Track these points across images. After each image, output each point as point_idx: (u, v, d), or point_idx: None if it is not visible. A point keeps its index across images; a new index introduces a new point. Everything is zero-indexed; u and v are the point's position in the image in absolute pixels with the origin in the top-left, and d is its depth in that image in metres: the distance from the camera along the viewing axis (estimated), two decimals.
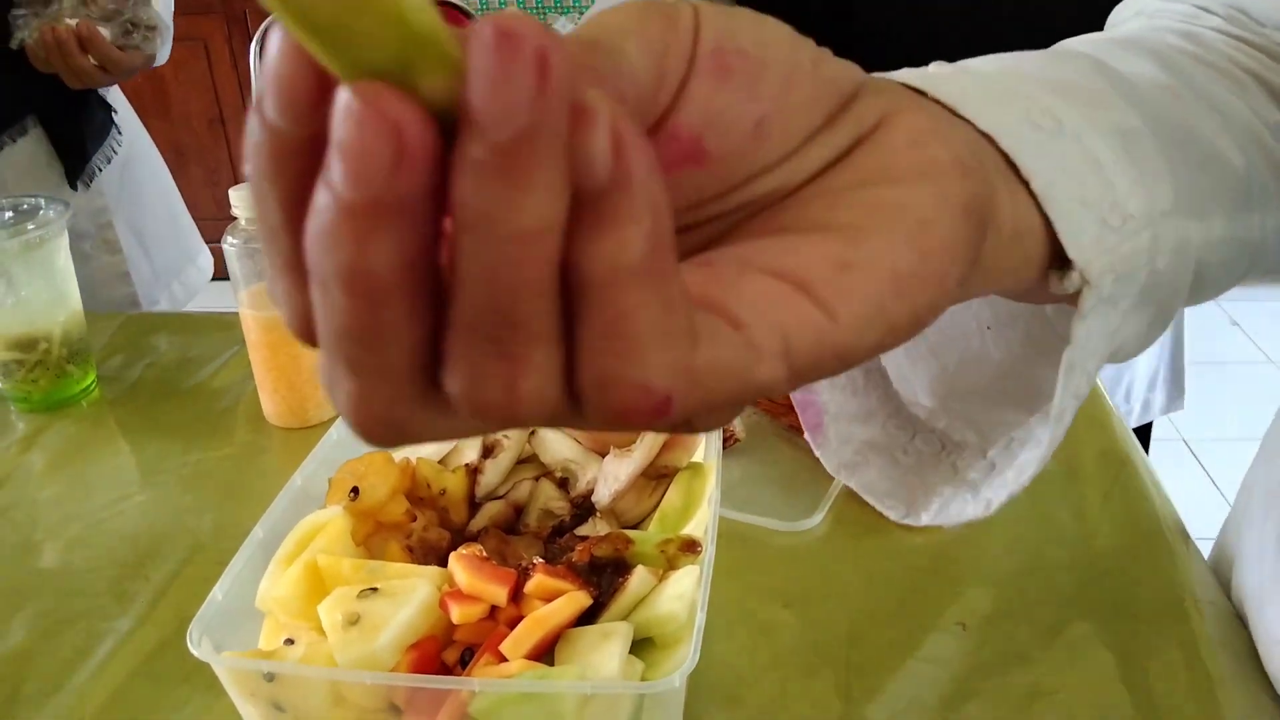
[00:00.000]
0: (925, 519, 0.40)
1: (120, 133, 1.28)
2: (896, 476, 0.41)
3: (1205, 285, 0.37)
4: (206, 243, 3.61)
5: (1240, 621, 0.60)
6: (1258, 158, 0.38)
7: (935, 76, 0.30)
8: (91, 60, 1.10)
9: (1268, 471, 0.59)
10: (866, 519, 0.70)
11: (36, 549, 0.72)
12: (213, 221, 3.20)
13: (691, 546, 0.55)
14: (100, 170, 1.22)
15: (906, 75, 0.30)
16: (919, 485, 0.40)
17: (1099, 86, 0.32)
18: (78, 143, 1.18)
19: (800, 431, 0.77)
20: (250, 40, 2.92)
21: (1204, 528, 0.75)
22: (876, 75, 0.28)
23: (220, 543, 0.71)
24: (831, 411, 0.41)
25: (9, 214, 0.85)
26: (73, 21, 1.07)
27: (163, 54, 1.24)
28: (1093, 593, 0.63)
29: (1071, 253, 0.29)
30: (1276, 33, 0.41)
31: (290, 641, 0.53)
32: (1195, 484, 2.01)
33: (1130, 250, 0.30)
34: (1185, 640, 0.59)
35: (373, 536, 0.59)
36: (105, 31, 1.10)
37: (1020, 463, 0.36)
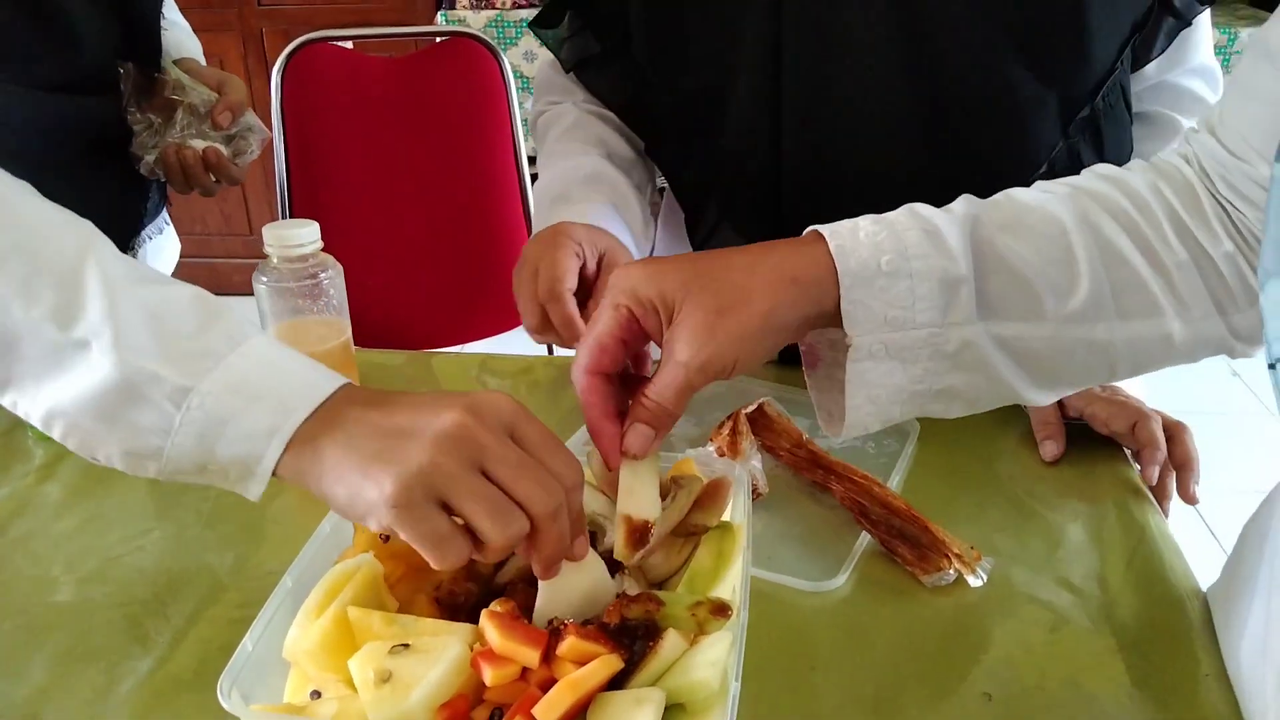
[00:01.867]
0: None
1: (168, 216, 1.29)
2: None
3: (1043, 370, 0.59)
4: (211, 257, 3.61)
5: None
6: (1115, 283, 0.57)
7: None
8: (211, 176, 1.14)
9: (1274, 531, 0.59)
10: (890, 579, 0.70)
11: (54, 583, 0.72)
12: (219, 237, 3.22)
13: (722, 610, 0.55)
14: (142, 245, 1.22)
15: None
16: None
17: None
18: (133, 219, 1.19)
19: (824, 487, 0.77)
20: (265, 60, 2.94)
21: (1200, 578, 0.74)
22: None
23: (241, 583, 0.71)
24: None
25: None
26: (199, 144, 1.11)
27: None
28: (1116, 665, 0.63)
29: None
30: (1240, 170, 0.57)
31: (317, 694, 0.53)
32: (1193, 533, 2.01)
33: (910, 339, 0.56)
34: (1211, 711, 0.59)
35: (404, 581, 0.59)
36: (224, 150, 1.14)
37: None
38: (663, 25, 0.90)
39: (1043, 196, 0.60)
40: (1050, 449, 0.82)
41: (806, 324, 0.57)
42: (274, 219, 1.23)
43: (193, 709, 0.60)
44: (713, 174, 0.95)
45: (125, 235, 1.15)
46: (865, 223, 0.58)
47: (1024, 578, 0.70)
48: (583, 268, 0.81)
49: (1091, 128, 0.86)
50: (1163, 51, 0.86)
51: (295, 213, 1.59)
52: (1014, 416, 0.88)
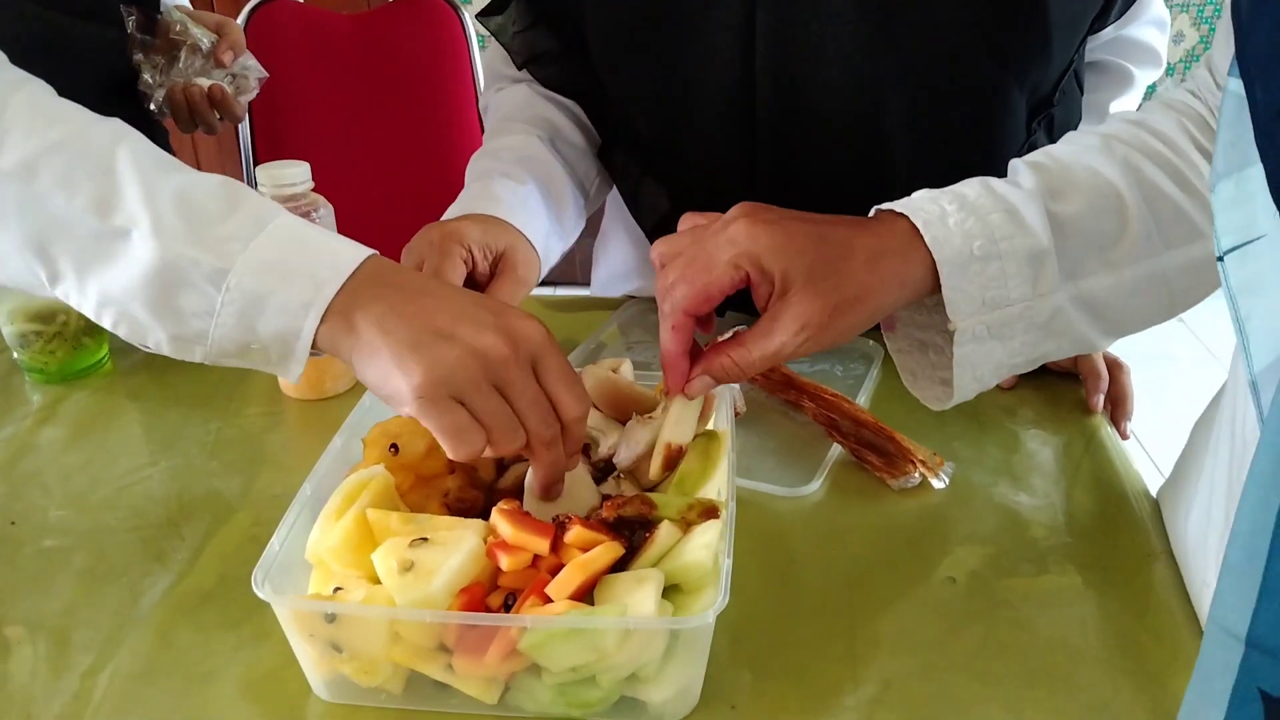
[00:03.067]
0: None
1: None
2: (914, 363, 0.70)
3: (1113, 317, 0.64)
4: None
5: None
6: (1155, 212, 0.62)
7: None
8: (216, 114, 1.18)
9: (1219, 421, 0.65)
10: (861, 484, 0.76)
11: (70, 511, 0.75)
12: None
13: (711, 513, 0.60)
14: None
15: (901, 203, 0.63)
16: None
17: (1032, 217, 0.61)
18: None
19: (796, 406, 0.82)
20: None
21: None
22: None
23: (252, 503, 0.74)
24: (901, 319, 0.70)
25: None
26: (204, 82, 1.15)
27: None
28: (1067, 550, 0.69)
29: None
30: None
31: (339, 589, 0.57)
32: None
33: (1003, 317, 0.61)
34: (1151, 587, 0.65)
35: (414, 490, 0.63)
36: (227, 88, 1.17)
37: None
38: (618, 31, 0.87)
39: (1080, 150, 0.64)
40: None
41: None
42: (238, 175, 1.26)
43: (215, 617, 0.64)
44: (676, 180, 0.94)
45: None
46: (949, 206, 0.61)
47: (983, 480, 0.76)
48: (474, 269, 0.78)
49: (1048, 120, 0.88)
50: (1120, 17, 0.90)
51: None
52: None
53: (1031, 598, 0.65)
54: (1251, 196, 0.40)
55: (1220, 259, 0.42)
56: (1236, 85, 0.41)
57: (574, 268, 2.47)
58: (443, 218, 0.82)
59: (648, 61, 0.87)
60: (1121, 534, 0.70)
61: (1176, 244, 0.62)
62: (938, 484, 0.75)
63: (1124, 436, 0.85)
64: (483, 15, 0.96)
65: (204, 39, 1.14)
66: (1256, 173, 0.39)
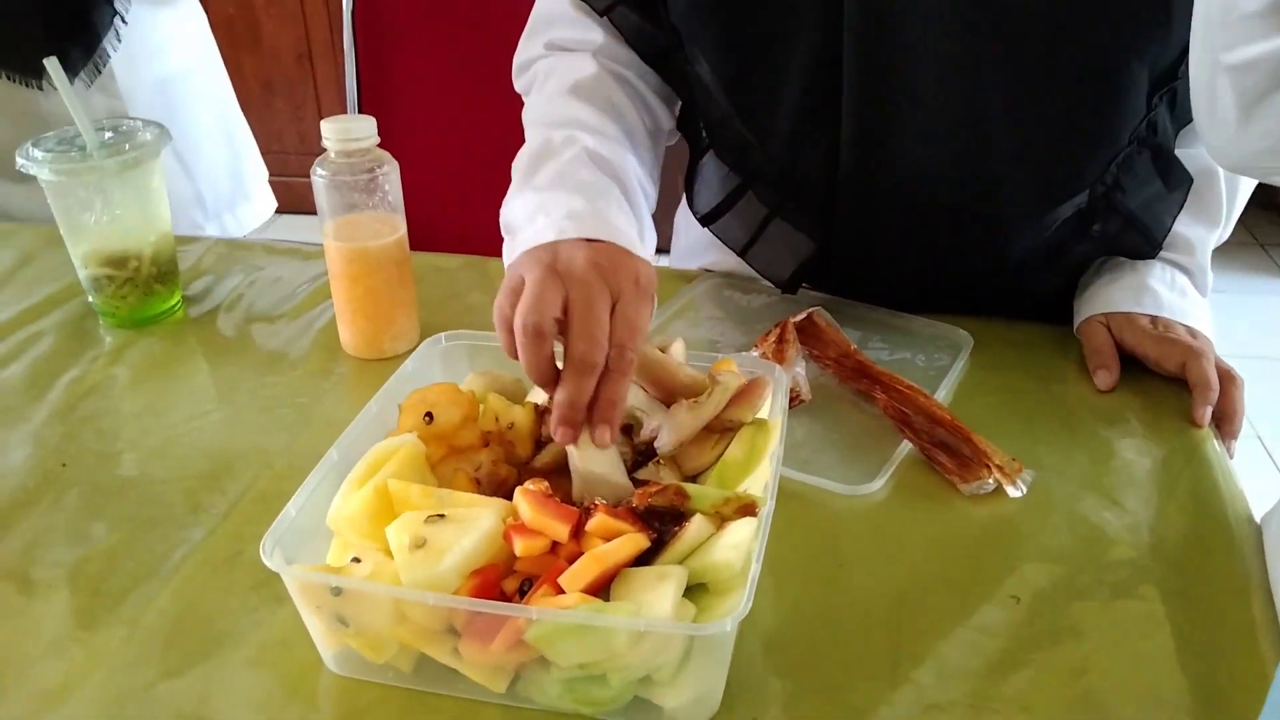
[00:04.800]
0: None
1: (119, 35, 1.23)
2: None
3: None
4: (288, 175, 3.67)
5: None
6: None
7: None
8: None
9: None
10: (928, 486, 0.70)
11: (118, 458, 0.75)
12: (296, 155, 3.26)
13: (748, 510, 0.55)
14: (100, 69, 1.21)
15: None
16: None
17: None
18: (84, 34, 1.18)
19: (868, 396, 0.77)
20: None
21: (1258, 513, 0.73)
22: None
23: (291, 462, 0.73)
24: None
25: (109, 134, 0.88)
26: None
27: None
28: (1152, 576, 0.62)
29: None
30: None
31: (357, 560, 0.55)
32: (1268, 477, 1.97)
33: None
34: (1245, 627, 0.58)
35: (445, 461, 0.61)
36: None
37: None
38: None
39: None
40: (1104, 378, 0.80)
41: None
42: None
43: (240, 577, 0.63)
44: (747, 156, 0.88)
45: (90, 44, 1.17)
46: None
47: (1066, 491, 0.70)
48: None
49: (1170, 94, 0.80)
50: None
51: None
52: (1073, 341, 0.86)
53: (1103, 627, 0.58)
54: None
55: None
56: None
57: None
58: (526, 191, 0.76)
59: (726, 13, 0.80)
60: (1215, 562, 0.63)
61: None
62: (1014, 492, 0.69)
63: (1229, 455, 0.77)
64: None
65: None
66: None
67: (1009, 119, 0.77)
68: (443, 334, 0.71)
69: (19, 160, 0.84)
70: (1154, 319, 0.81)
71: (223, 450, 0.75)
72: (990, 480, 0.69)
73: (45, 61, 0.86)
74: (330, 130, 0.78)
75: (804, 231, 0.88)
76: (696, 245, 1.03)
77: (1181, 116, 0.83)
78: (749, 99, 0.84)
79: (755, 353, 0.78)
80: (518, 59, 0.92)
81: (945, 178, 0.81)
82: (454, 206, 1.70)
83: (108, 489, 0.71)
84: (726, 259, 0.98)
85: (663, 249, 1.13)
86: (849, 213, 0.85)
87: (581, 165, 0.77)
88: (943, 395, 0.79)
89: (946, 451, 0.71)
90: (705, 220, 0.92)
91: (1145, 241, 0.84)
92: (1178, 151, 0.83)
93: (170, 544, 0.66)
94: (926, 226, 0.84)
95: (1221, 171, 0.86)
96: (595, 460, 0.59)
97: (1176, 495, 0.69)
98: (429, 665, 0.54)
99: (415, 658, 0.55)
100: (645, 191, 0.83)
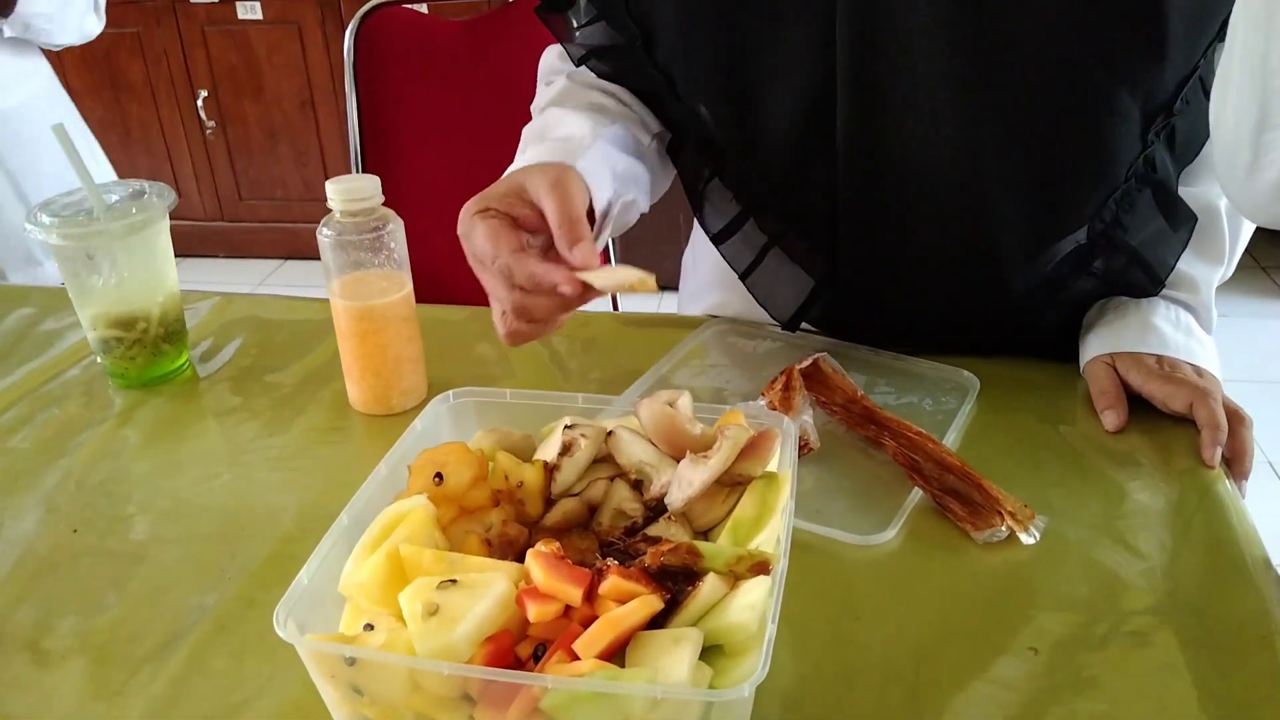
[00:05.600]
0: None
1: None
2: None
3: None
4: (290, 221, 3.70)
5: None
6: None
7: None
8: None
9: None
10: (941, 535, 0.70)
11: (129, 522, 0.75)
12: (299, 202, 3.29)
13: (761, 568, 0.55)
14: None
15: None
16: None
17: None
18: None
19: (877, 444, 0.77)
20: (343, 27, 2.98)
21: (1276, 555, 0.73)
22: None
23: (303, 524, 0.73)
24: None
25: (115, 197, 0.88)
26: None
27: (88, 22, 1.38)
28: (1172, 623, 0.62)
29: None
30: None
31: (370, 627, 0.55)
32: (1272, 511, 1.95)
33: None
34: (1270, 674, 0.58)
35: (455, 523, 0.61)
36: None
37: None
38: (688, 22, 0.83)
39: None
40: (1111, 419, 0.80)
41: None
42: None
43: (252, 642, 0.63)
44: (749, 185, 0.90)
45: None
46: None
47: (1080, 536, 0.69)
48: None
49: (1168, 130, 0.80)
50: None
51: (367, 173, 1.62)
52: (1080, 380, 0.86)
53: (1124, 676, 0.58)
54: None
55: None
56: None
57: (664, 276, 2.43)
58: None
59: (718, 55, 0.82)
60: (1234, 607, 0.63)
61: None
62: (1026, 539, 0.68)
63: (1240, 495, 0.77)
64: (542, 10, 0.91)
65: None
66: None
67: (1002, 152, 0.78)
68: (450, 391, 0.72)
69: (27, 225, 0.85)
70: (1160, 359, 0.81)
71: (233, 512, 0.75)
72: (1003, 528, 0.68)
73: (52, 128, 0.87)
74: (335, 190, 0.79)
75: (801, 263, 0.88)
76: (705, 285, 1.04)
77: (1182, 156, 0.83)
78: (745, 135, 0.85)
79: (762, 401, 0.78)
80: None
81: (942, 213, 0.82)
82: (458, 254, 1.71)
83: (118, 555, 0.71)
84: (733, 300, 0.98)
85: (670, 287, 1.14)
86: (849, 247, 0.85)
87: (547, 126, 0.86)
88: (951, 440, 0.79)
89: (958, 499, 0.71)
90: (716, 239, 0.93)
91: (1148, 279, 0.84)
92: (1180, 190, 0.84)
93: (181, 610, 0.66)
94: (926, 262, 0.85)
95: (1224, 209, 0.86)
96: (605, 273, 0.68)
97: (1191, 538, 0.69)
98: None
99: None
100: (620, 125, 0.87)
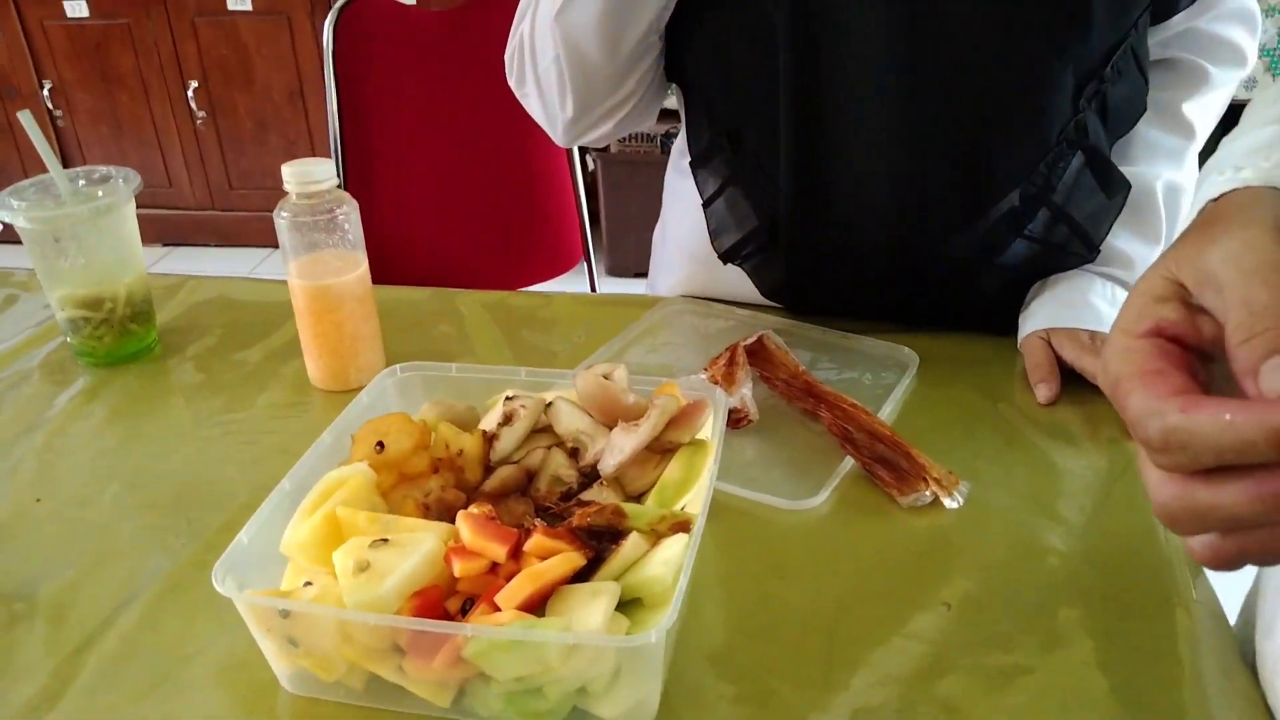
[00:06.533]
0: None
1: None
2: None
3: None
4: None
5: (1223, 621, 0.62)
6: None
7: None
8: None
9: None
10: (869, 501, 0.72)
11: (91, 491, 0.77)
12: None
13: (682, 527, 0.58)
14: None
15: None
16: None
17: None
18: None
19: (814, 415, 0.79)
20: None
21: None
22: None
23: (257, 493, 0.74)
24: None
25: (82, 182, 0.91)
26: None
27: None
28: (1081, 583, 0.64)
29: None
30: None
31: (309, 584, 0.58)
32: None
33: None
34: (1166, 634, 0.60)
35: (395, 489, 0.63)
36: None
37: None
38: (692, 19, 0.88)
39: None
40: (1044, 392, 0.83)
41: None
42: None
43: (202, 602, 0.66)
44: (718, 120, 0.94)
45: None
46: None
47: (1003, 503, 0.72)
48: None
49: (1099, 98, 0.84)
50: (1189, 6, 0.85)
51: (349, 164, 1.64)
52: (1016, 356, 0.89)
53: (1031, 633, 0.61)
54: None
55: None
56: None
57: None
58: None
59: (709, 47, 0.88)
60: (1143, 570, 0.66)
61: None
62: (950, 503, 0.71)
63: None
64: None
65: None
66: None
67: (939, 122, 0.82)
68: (398, 365, 0.74)
69: None
70: (1093, 334, 0.84)
71: (191, 482, 0.78)
72: (927, 493, 0.71)
73: (19, 115, 0.89)
74: (290, 174, 0.81)
75: (754, 207, 0.93)
76: (672, 260, 1.07)
77: (1114, 127, 0.86)
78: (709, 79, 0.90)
79: (703, 375, 0.81)
80: (506, 54, 1.01)
81: (880, 180, 0.85)
82: (441, 250, 1.74)
83: (79, 522, 0.74)
84: (698, 275, 1.02)
85: (640, 273, 1.17)
86: (790, 203, 0.89)
87: None
88: (887, 412, 0.82)
89: (886, 466, 0.73)
90: (693, 165, 0.97)
91: (1081, 243, 0.87)
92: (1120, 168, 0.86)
93: (136, 574, 0.69)
94: (864, 227, 0.88)
95: (1160, 190, 0.88)
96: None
97: (1109, 505, 0.72)
98: (379, 683, 0.57)
99: (366, 676, 0.57)
100: None
